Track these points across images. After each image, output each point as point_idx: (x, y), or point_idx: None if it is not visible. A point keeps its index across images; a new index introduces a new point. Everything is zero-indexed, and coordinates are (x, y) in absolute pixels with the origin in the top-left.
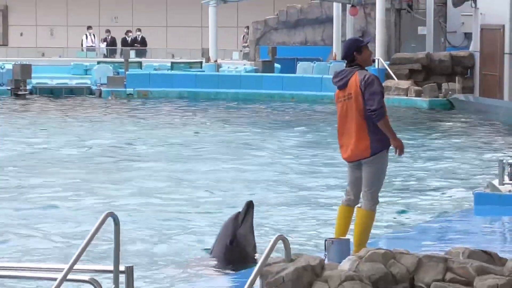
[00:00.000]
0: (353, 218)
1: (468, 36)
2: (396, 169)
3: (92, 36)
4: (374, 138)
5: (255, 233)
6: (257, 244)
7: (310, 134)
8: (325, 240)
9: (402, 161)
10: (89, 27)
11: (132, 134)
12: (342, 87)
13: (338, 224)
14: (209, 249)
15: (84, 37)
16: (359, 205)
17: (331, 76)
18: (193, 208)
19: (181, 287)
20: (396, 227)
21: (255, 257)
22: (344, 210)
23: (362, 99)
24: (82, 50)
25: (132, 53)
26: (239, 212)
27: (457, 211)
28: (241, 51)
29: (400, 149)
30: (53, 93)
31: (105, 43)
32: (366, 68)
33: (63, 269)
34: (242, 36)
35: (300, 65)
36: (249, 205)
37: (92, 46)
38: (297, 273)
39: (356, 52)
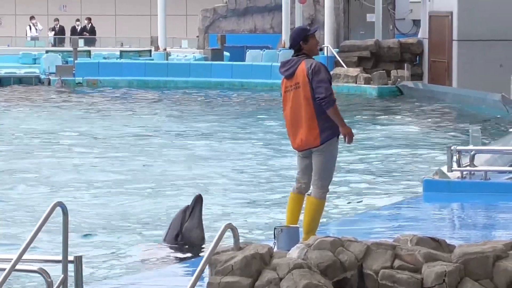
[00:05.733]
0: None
1: (416, 23)
2: (345, 156)
3: (36, 26)
4: (323, 126)
5: (205, 223)
6: (207, 233)
7: (258, 121)
8: (275, 228)
9: (351, 148)
10: (31, 18)
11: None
12: (289, 76)
13: (289, 211)
14: (163, 236)
15: (28, 28)
16: (308, 192)
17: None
18: (142, 198)
19: (130, 276)
20: (345, 214)
21: (202, 249)
22: (295, 197)
23: (310, 88)
24: (31, 40)
25: (81, 42)
26: (188, 206)
27: (406, 198)
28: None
29: (350, 136)
30: (1, 82)
31: (53, 32)
32: (313, 57)
33: (12, 259)
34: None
35: (250, 53)
36: (197, 199)
37: (36, 35)
38: (246, 261)
39: (302, 41)
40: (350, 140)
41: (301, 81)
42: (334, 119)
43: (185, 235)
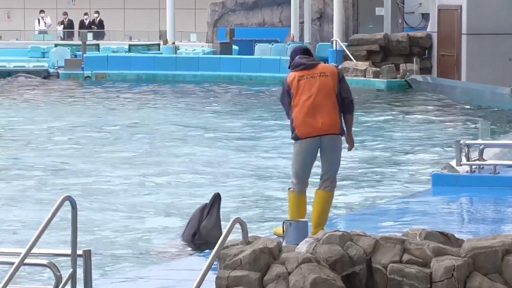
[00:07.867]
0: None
1: (425, 16)
2: (354, 150)
3: (45, 20)
4: (340, 121)
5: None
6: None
7: (269, 115)
8: (283, 222)
9: (360, 142)
10: (41, 11)
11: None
12: (310, 67)
13: (298, 213)
14: (180, 233)
15: (37, 21)
16: (317, 187)
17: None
18: (154, 192)
19: (139, 270)
20: (353, 208)
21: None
22: (302, 198)
23: (338, 84)
24: (39, 34)
25: (90, 36)
26: (206, 204)
27: (414, 192)
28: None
29: (353, 146)
30: (10, 75)
31: (62, 25)
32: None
33: (21, 253)
34: None
35: (258, 47)
36: (216, 198)
37: (44, 29)
38: (255, 256)
39: None
40: (352, 149)
41: (328, 73)
42: (349, 124)
43: (202, 234)
